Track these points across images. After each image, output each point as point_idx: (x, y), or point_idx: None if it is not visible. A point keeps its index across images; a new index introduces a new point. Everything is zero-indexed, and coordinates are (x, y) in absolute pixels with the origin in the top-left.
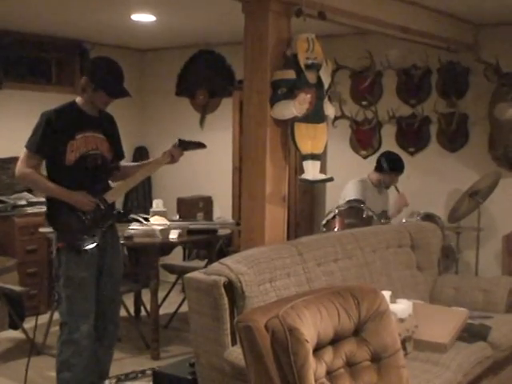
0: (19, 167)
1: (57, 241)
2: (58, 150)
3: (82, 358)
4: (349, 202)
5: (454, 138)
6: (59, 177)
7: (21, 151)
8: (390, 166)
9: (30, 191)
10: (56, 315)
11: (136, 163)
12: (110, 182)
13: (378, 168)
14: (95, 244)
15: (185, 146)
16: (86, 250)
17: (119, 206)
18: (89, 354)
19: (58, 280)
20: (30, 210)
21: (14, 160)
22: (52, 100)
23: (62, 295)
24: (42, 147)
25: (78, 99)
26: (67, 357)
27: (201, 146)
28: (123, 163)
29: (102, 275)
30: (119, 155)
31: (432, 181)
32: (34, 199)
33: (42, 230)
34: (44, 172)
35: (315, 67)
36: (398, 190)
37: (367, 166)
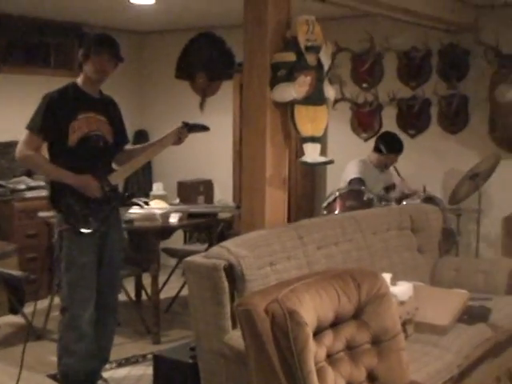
0: (21, 149)
1: (60, 224)
2: (60, 131)
3: (84, 343)
4: (350, 181)
5: (455, 120)
6: (62, 159)
7: (20, 135)
8: (389, 148)
9: (29, 175)
10: (56, 300)
11: (140, 145)
12: (113, 164)
13: (377, 149)
14: (92, 230)
15: (189, 128)
16: (87, 232)
17: (120, 189)
18: (90, 340)
19: (59, 265)
20: (29, 194)
21: (14, 144)
22: (51, 84)
23: (63, 280)
24: (45, 127)
25: (79, 80)
26: (68, 342)
27: (205, 128)
28: (127, 147)
29: (102, 259)
30: (123, 139)
31: (432, 163)
32: (33, 183)
33: (41, 214)
34: (46, 156)
35: (315, 49)
36: (399, 175)
37: (368, 149)
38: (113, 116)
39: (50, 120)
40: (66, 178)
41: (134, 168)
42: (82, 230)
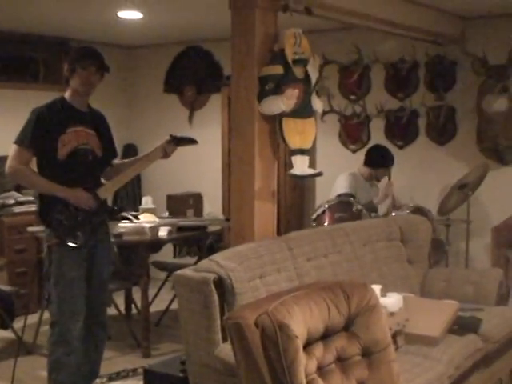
0: (11, 164)
1: (49, 238)
2: (49, 145)
3: (73, 357)
4: (339, 196)
5: (443, 131)
6: (51, 173)
7: (8, 149)
8: (379, 161)
9: (18, 190)
10: (46, 314)
11: (128, 160)
12: (102, 178)
13: (368, 162)
14: (80, 244)
15: (177, 141)
16: (75, 246)
17: (109, 202)
18: (80, 354)
19: (48, 279)
20: (18, 209)
21: (2, 159)
22: (40, 98)
23: (53, 294)
24: (35, 142)
25: (67, 94)
26: (58, 356)
27: (192, 141)
28: (116, 161)
29: (91, 273)
30: (112, 153)
31: (421, 174)
32: (23, 198)
33: (30, 229)
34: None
35: (303, 62)
36: (389, 178)
37: (356, 160)
38: (101, 129)
39: (40, 134)
40: (57, 192)
41: (122, 182)
42: (71, 244)
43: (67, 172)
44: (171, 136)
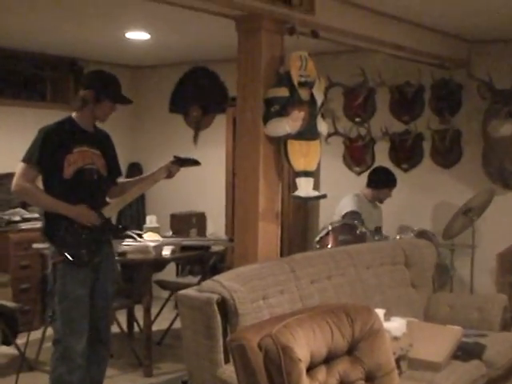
0: (17, 181)
1: (54, 256)
2: (56, 164)
3: (76, 375)
4: (346, 214)
5: (448, 154)
6: (56, 191)
7: (15, 167)
8: (382, 182)
9: (24, 207)
10: (49, 331)
11: (132, 179)
12: (106, 197)
13: (371, 184)
14: (85, 262)
15: (181, 162)
16: (79, 264)
17: (113, 221)
18: (82, 372)
19: (52, 296)
20: (24, 225)
21: (10, 176)
22: (47, 117)
23: (57, 312)
24: (42, 160)
25: (74, 115)
26: (61, 373)
27: (196, 163)
28: (120, 180)
29: (95, 291)
30: (116, 172)
31: (426, 197)
32: (29, 215)
33: (35, 245)
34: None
35: (308, 84)
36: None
37: (361, 183)
38: (107, 149)
39: (47, 153)
40: (62, 209)
41: (126, 201)
42: (75, 262)
43: (72, 191)
44: (175, 157)
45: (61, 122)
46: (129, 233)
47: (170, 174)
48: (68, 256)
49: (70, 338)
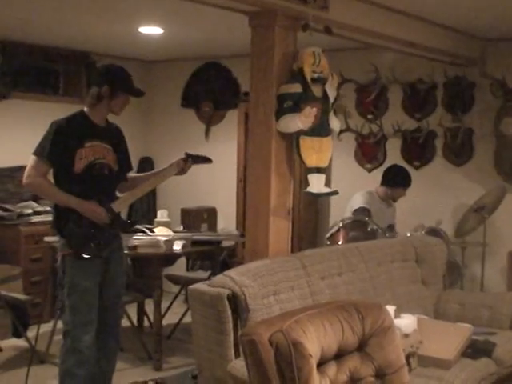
0: (28, 175)
1: (63, 248)
2: (67, 158)
3: (85, 367)
4: (356, 210)
5: (460, 152)
6: (67, 185)
7: (27, 161)
8: (397, 181)
9: (35, 200)
10: (60, 324)
11: (143, 174)
12: (116, 192)
13: (385, 182)
14: (93, 255)
15: (193, 159)
16: (88, 257)
17: (123, 216)
18: (91, 364)
19: (62, 288)
20: (35, 218)
21: (21, 169)
22: (59, 110)
23: (66, 304)
24: (53, 154)
25: (86, 109)
26: (70, 366)
27: (207, 160)
28: (131, 174)
29: (104, 285)
30: (127, 167)
31: (437, 195)
32: (40, 208)
33: (47, 238)
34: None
35: (321, 81)
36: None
37: (372, 180)
38: (118, 144)
39: (58, 147)
40: (73, 204)
41: (136, 196)
42: (84, 255)
43: (83, 185)
44: (186, 154)
45: (73, 116)
46: (138, 227)
47: (181, 171)
48: (77, 249)
49: (79, 330)
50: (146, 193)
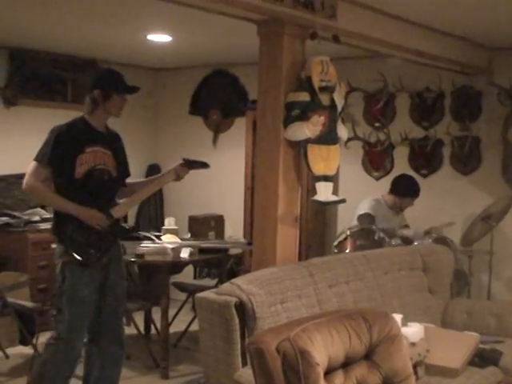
0: (28, 180)
1: (62, 255)
2: (67, 163)
3: (73, 368)
4: (360, 216)
5: (467, 160)
6: (67, 191)
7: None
8: (408, 190)
9: (43, 207)
10: None
11: (141, 180)
12: (116, 198)
13: (394, 191)
14: (93, 261)
15: (190, 164)
16: (87, 264)
17: (131, 223)
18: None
19: (60, 296)
20: (43, 226)
21: None
22: (67, 118)
23: (65, 311)
24: (53, 160)
25: (86, 114)
26: (58, 363)
27: (205, 165)
28: (129, 180)
29: (104, 292)
30: (125, 173)
31: (444, 203)
32: (48, 215)
33: (54, 246)
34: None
35: (329, 89)
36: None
37: (379, 188)
38: (117, 150)
39: (59, 153)
40: (72, 210)
41: (135, 202)
42: (83, 262)
43: (83, 191)
44: (184, 159)
45: (73, 121)
46: (138, 233)
47: (178, 177)
48: (76, 256)
49: (74, 337)
50: (144, 199)
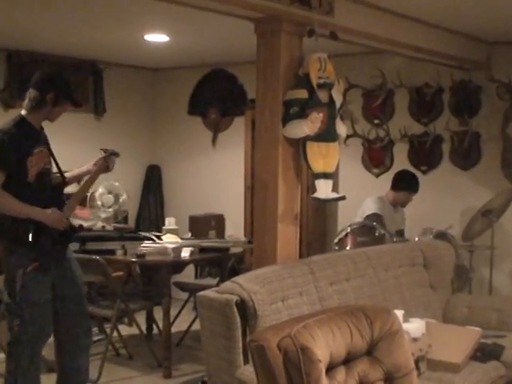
0: None
1: (22, 262)
2: (20, 167)
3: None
4: (368, 216)
5: (467, 156)
6: (21, 195)
7: None
8: (404, 185)
9: None
10: None
11: (75, 172)
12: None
13: (394, 186)
14: (58, 265)
15: (111, 153)
16: (53, 269)
17: (132, 223)
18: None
19: (21, 301)
20: None
21: None
22: (65, 119)
23: (26, 318)
24: (7, 162)
25: (25, 114)
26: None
27: (116, 154)
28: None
29: (64, 296)
30: (61, 170)
31: (445, 199)
32: None
33: None
34: None
35: (327, 86)
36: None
37: (379, 185)
38: (50, 146)
39: (12, 155)
40: (36, 215)
41: (79, 199)
42: (47, 268)
43: (37, 193)
44: (104, 150)
45: (18, 121)
46: (145, 234)
47: (106, 169)
48: (41, 262)
49: (40, 343)
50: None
